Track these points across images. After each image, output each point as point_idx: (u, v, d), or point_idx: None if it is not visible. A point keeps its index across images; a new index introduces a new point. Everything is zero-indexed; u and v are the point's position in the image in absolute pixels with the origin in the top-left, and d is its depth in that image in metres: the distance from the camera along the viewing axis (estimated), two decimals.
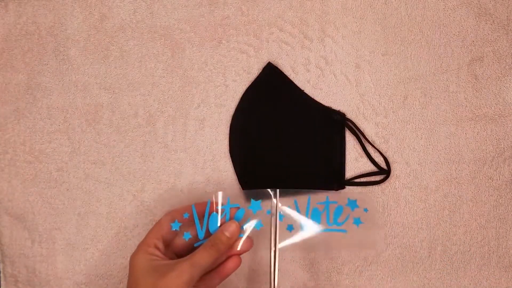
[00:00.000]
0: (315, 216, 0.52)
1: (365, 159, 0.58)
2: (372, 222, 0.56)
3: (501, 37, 0.59)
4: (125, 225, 0.59)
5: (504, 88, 0.59)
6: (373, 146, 0.58)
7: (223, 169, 0.59)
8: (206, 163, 0.59)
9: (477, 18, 0.59)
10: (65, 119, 0.60)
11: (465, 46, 0.59)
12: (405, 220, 0.58)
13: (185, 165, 0.59)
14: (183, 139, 0.59)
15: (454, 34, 0.59)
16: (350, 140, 0.59)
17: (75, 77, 0.60)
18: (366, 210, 0.53)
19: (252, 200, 0.51)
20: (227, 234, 0.49)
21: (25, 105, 0.60)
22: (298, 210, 0.52)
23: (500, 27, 0.59)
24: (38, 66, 0.60)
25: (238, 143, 0.59)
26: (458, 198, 0.58)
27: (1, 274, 0.59)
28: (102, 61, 0.60)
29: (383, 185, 0.58)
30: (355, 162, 0.59)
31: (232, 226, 0.50)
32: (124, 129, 0.59)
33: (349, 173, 0.58)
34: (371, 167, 0.59)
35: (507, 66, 0.59)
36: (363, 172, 0.58)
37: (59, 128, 0.60)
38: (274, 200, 0.52)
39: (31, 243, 0.59)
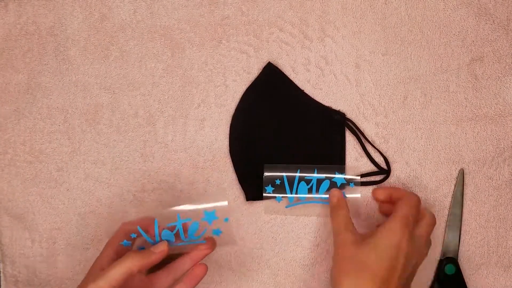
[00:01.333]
0: (301, 189, 0.57)
1: (365, 159, 0.58)
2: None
3: (501, 37, 0.59)
4: None
5: (504, 88, 0.59)
6: (373, 146, 0.58)
7: (223, 169, 0.59)
8: (206, 163, 0.59)
9: (477, 18, 0.59)
10: (65, 119, 0.60)
11: (465, 46, 0.59)
12: None
13: (185, 165, 0.59)
14: (183, 139, 0.59)
15: (454, 34, 0.59)
16: (350, 140, 0.59)
17: (75, 77, 0.60)
18: (352, 185, 0.57)
19: (205, 212, 0.50)
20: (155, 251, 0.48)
21: (25, 105, 0.60)
22: (286, 184, 0.56)
23: (500, 27, 0.59)
24: (38, 66, 0.60)
25: (238, 143, 0.59)
26: None
27: (1, 274, 0.59)
28: (102, 61, 0.60)
29: (383, 185, 0.58)
30: (355, 162, 0.59)
31: (160, 247, 0.49)
32: (124, 129, 0.59)
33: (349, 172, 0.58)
34: (371, 167, 0.59)
35: (507, 66, 0.59)
36: (363, 172, 0.58)
37: (59, 128, 0.60)
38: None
39: (31, 243, 0.59)
